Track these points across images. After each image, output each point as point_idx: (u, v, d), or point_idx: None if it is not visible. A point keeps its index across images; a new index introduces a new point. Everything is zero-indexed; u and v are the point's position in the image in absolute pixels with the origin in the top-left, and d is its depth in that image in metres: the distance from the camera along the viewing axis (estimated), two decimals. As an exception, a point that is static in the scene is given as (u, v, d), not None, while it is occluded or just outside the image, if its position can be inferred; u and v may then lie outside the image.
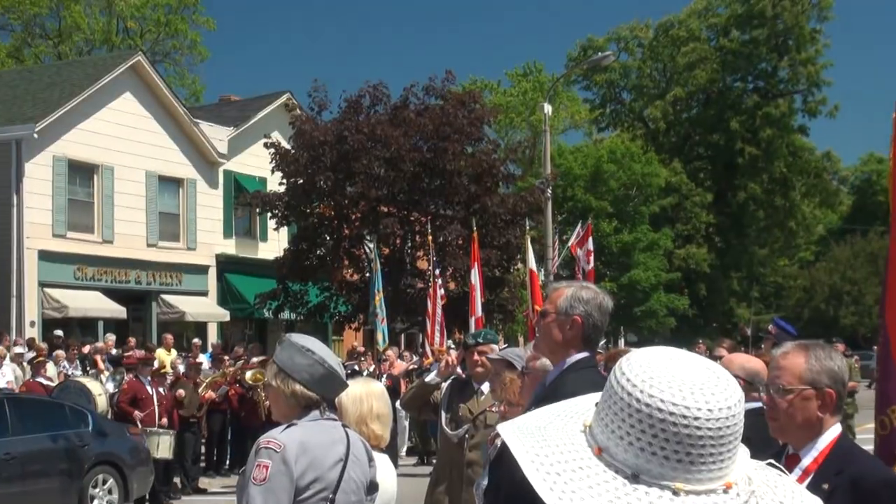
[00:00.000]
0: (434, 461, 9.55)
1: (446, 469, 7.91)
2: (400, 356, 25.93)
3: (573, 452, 2.11)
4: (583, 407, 2.28)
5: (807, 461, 3.74)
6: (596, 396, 2.25)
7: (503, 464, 4.28)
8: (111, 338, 25.45)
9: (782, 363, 3.78)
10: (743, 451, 2.14)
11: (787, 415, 3.73)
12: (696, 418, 2.00)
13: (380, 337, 23.02)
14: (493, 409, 7.32)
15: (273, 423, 4.46)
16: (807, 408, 3.72)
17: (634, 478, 2.04)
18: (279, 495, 4.15)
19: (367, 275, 24.90)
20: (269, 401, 4.72)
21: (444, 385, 8.15)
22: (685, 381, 2.05)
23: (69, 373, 20.78)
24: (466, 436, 7.74)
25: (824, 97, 57.22)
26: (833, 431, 3.76)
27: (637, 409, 2.03)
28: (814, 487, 3.65)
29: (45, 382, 18.79)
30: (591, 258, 27.74)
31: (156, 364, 20.20)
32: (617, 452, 2.06)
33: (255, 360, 21.53)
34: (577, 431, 2.17)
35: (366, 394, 5.22)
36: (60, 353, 21.83)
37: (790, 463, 3.80)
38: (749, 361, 5.99)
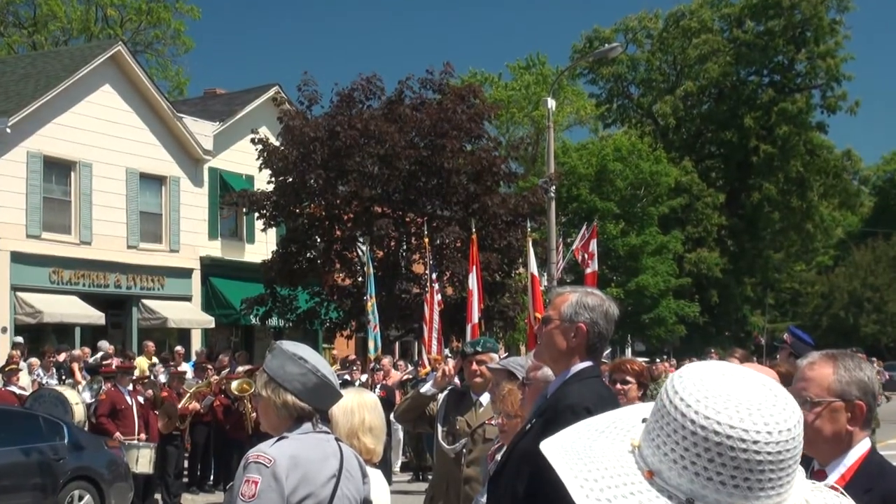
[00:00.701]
0: (430, 477, 9.54)
1: (442, 486, 7.90)
2: (394, 366, 25.91)
3: (623, 476, 2.10)
4: (627, 422, 2.26)
5: (834, 477, 3.72)
6: (641, 410, 2.25)
7: (545, 485, 4.28)
8: (106, 346, 25.38)
9: (809, 374, 3.76)
10: (800, 473, 2.14)
11: (814, 429, 3.70)
12: (756, 442, 2.00)
13: (372, 345, 23.01)
14: (493, 421, 7.31)
15: (260, 436, 4.45)
16: (835, 421, 3.70)
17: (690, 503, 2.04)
18: (269, 513, 4.14)
19: (360, 279, 24.88)
20: (258, 412, 4.70)
21: (441, 396, 8.14)
22: (742, 400, 2.04)
23: (44, 381, 20.75)
24: (464, 450, 7.73)
25: (844, 92, 57.33)
26: (862, 446, 3.74)
27: (692, 432, 2.02)
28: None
29: (18, 391, 18.75)
30: (594, 261, 27.76)
31: (136, 373, 20.19)
32: (670, 477, 2.05)
33: (240, 369, 21.51)
34: (624, 452, 2.16)
35: (358, 405, 5.21)
36: (34, 360, 21.81)
37: (816, 479, 3.78)
38: (761, 372, 5.98)
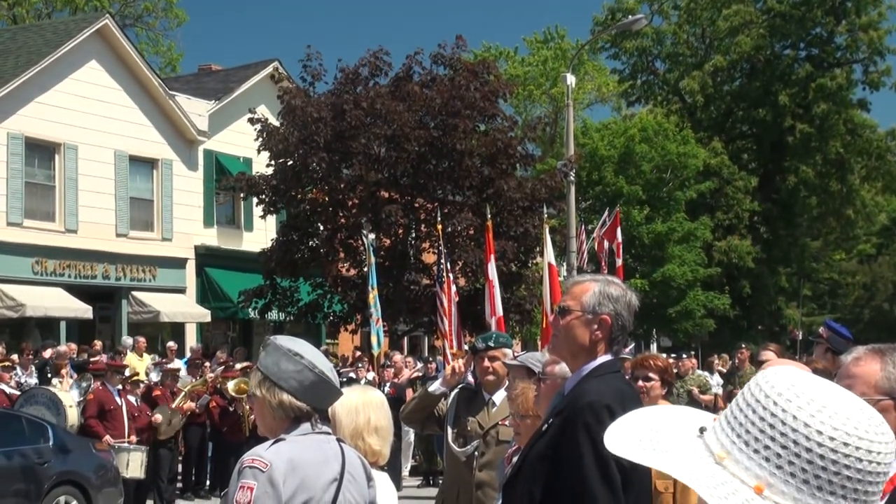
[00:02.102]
0: (441, 482, 9.55)
1: (453, 491, 7.91)
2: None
3: (736, 493, 2.06)
4: (675, 433, 2.21)
5: None
6: (696, 416, 2.22)
7: (565, 490, 4.29)
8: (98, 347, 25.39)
9: (855, 371, 3.75)
10: None
11: None
12: (878, 452, 2.00)
13: (374, 340, 23.01)
14: (507, 422, 7.31)
15: (259, 439, 4.45)
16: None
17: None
18: (266, 521, 4.15)
19: (366, 269, 24.89)
20: (253, 413, 4.71)
21: (451, 395, 8.14)
22: (851, 409, 2.03)
23: (23, 381, 20.74)
24: (476, 453, 7.74)
25: (888, 67, 57.00)
26: None
27: (818, 443, 2.00)
28: (890, 510, 3.65)
29: (9, 391, 18.76)
30: (620, 252, 27.76)
31: (127, 371, 20.22)
32: (788, 492, 2.03)
33: (237, 366, 21.54)
34: (711, 464, 2.11)
35: (363, 403, 5.21)
36: (14, 357, 21.82)
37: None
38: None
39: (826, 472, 1.98)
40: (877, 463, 1.99)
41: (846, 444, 1.98)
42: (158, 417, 18.59)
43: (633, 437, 2.18)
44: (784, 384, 2.08)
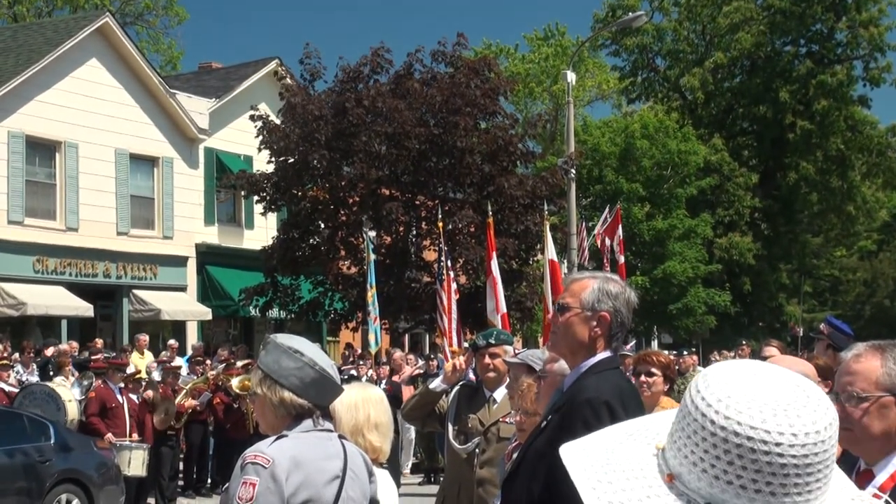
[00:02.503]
0: (442, 479, 9.55)
1: (454, 488, 7.91)
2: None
3: (642, 479, 2.12)
4: (659, 426, 2.28)
5: (882, 478, 3.71)
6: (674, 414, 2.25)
7: (563, 487, 4.29)
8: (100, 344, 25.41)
9: (855, 367, 3.74)
10: (838, 480, 2.14)
11: (861, 426, 3.68)
12: (778, 444, 1.99)
13: (372, 338, 23.00)
14: (507, 419, 7.32)
15: (262, 436, 4.45)
16: (885, 417, 3.68)
17: None
18: (268, 518, 4.14)
19: (367, 267, 24.92)
20: (255, 411, 4.71)
21: (452, 392, 8.14)
22: (768, 400, 2.04)
23: (24, 378, 20.75)
24: (477, 450, 7.74)
25: (889, 63, 56.96)
26: None
27: (712, 433, 2.02)
28: (890, 508, 3.65)
29: (8, 389, 18.77)
30: (623, 249, 27.75)
31: (131, 369, 20.22)
32: (690, 480, 2.06)
33: (238, 364, 21.53)
34: (649, 455, 2.17)
35: (362, 400, 5.22)
36: (15, 356, 21.82)
37: (862, 480, 3.77)
38: (795, 365, 5.96)
39: (720, 461, 2.01)
40: (777, 455, 1.98)
41: (737, 434, 1.99)
42: (150, 393, 18.54)
43: (587, 461, 2.21)
44: (704, 376, 2.12)
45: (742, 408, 2.01)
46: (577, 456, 2.21)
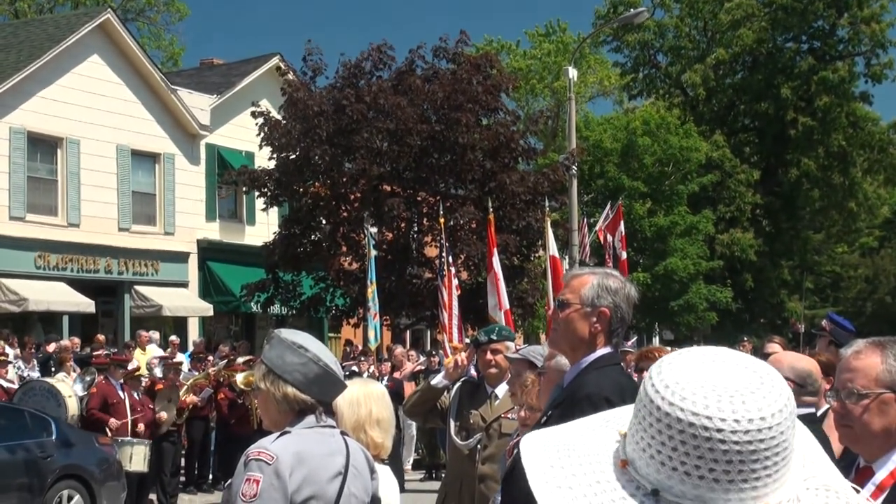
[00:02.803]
0: (443, 475, 9.56)
1: (456, 484, 7.91)
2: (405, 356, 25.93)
3: (596, 464, 2.11)
4: (628, 416, 2.27)
5: (882, 475, 3.71)
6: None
7: (516, 479, 4.28)
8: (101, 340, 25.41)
9: (855, 364, 3.74)
10: (795, 469, 2.10)
11: (861, 423, 3.68)
12: (720, 430, 1.97)
13: (372, 334, 23.00)
14: (510, 415, 7.33)
15: (266, 432, 4.45)
16: (885, 414, 3.68)
17: (654, 494, 2.03)
18: (272, 514, 4.14)
19: (367, 263, 24.92)
20: (258, 406, 4.71)
21: (454, 388, 8.14)
22: (716, 386, 2.02)
23: (25, 374, 20.76)
24: (478, 446, 7.74)
25: (891, 60, 56.91)
26: None
27: (657, 419, 2.02)
28: (890, 506, 3.64)
29: (6, 385, 18.79)
30: (625, 245, 27.75)
31: (134, 364, 20.24)
32: (641, 466, 2.05)
33: (240, 360, 21.53)
34: (612, 441, 2.17)
35: (364, 396, 5.22)
36: (14, 352, 21.82)
37: (862, 477, 3.77)
38: (800, 361, 5.98)
39: (665, 447, 2.00)
40: (719, 441, 1.96)
41: (679, 420, 1.98)
42: (164, 415, 18.53)
43: (542, 446, 2.20)
44: (659, 363, 2.12)
45: (687, 394, 2.00)
46: (533, 442, 2.20)
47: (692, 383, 2.02)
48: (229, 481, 4.39)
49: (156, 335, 27.69)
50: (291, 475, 4.18)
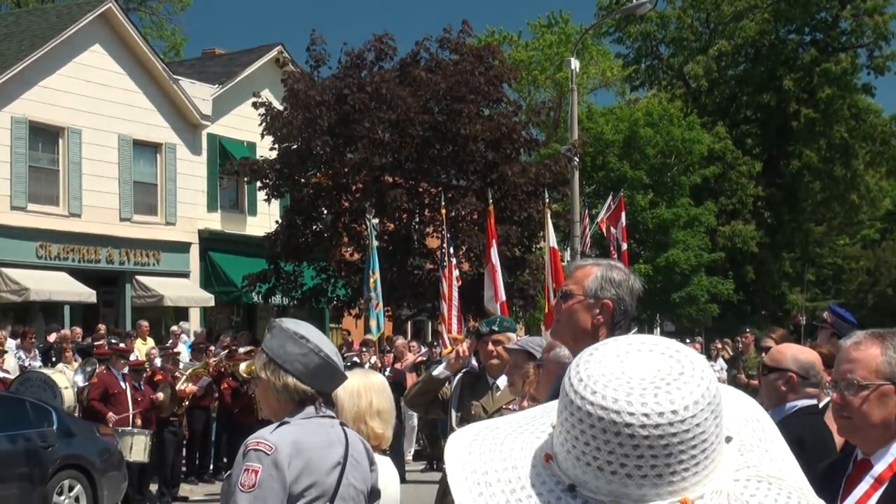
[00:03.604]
0: (444, 467, 9.51)
1: (457, 475, 7.89)
2: (407, 347, 25.95)
3: (523, 459, 2.06)
4: None
5: (880, 467, 3.70)
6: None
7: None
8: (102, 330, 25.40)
9: (855, 355, 3.73)
10: (725, 460, 2.02)
11: (861, 414, 3.68)
12: (629, 424, 1.90)
13: (374, 324, 23.00)
14: (511, 406, 7.32)
15: (268, 422, 4.45)
16: (884, 406, 3.68)
17: (571, 490, 1.98)
18: (270, 504, 4.14)
19: (370, 253, 24.93)
20: (257, 395, 4.71)
21: (455, 379, 8.14)
22: (631, 378, 1.96)
23: (27, 364, 20.77)
24: (480, 437, 7.73)
25: (893, 52, 56.85)
26: None
27: (571, 413, 1.96)
28: (888, 498, 3.63)
29: (3, 375, 18.81)
30: (626, 236, 27.77)
31: (136, 355, 20.24)
32: (561, 460, 2.00)
33: (241, 350, 21.54)
34: (545, 434, 2.11)
35: (364, 387, 5.21)
36: (14, 342, 21.83)
37: (860, 469, 3.76)
38: (802, 352, 5.97)
39: (579, 441, 1.95)
40: (628, 436, 1.89)
41: (590, 414, 1.92)
42: (160, 395, 18.58)
43: (471, 433, 2.17)
44: (584, 352, 2.06)
45: (599, 387, 1.94)
46: (462, 439, 2.16)
47: (606, 376, 1.96)
48: (229, 472, 4.39)
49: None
50: (290, 465, 4.18)
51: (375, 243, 23.74)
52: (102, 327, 25.96)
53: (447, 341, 21.58)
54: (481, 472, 2.05)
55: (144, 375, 18.99)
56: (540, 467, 2.03)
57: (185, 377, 19.88)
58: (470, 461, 2.08)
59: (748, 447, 2.10)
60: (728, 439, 2.06)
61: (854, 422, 3.71)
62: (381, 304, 23.01)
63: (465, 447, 2.12)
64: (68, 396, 17.49)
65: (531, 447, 2.09)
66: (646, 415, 1.90)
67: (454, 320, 21.41)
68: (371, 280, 22.86)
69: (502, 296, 20.45)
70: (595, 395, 1.93)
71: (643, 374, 1.96)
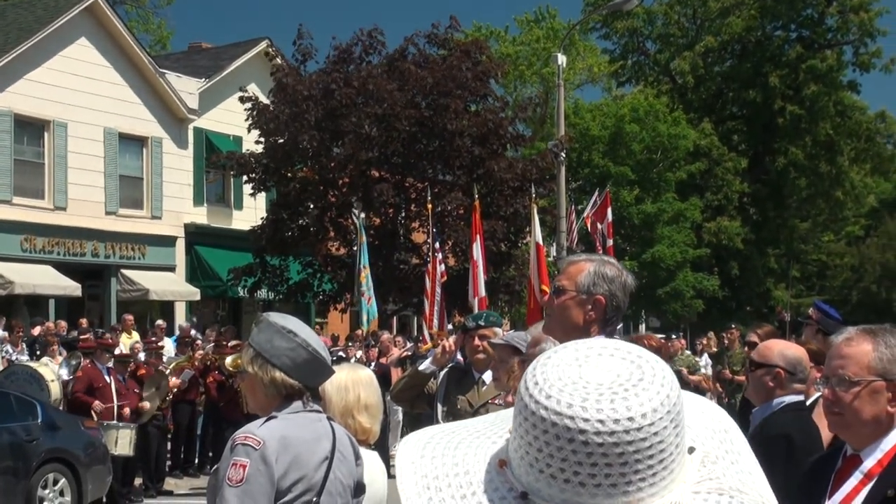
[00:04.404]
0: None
1: (443, 469, 7.88)
2: (392, 342, 25.92)
3: (476, 464, 2.01)
4: None
5: (869, 463, 3.70)
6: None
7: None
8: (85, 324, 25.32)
9: (846, 351, 3.73)
10: (686, 471, 1.95)
11: (852, 410, 3.68)
12: (582, 431, 1.84)
13: (365, 318, 23.01)
14: (497, 401, 7.31)
15: (254, 417, 4.43)
16: (876, 402, 3.68)
17: (523, 498, 1.92)
18: (258, 499, 4.13)
19: (356, 248, 24.93)
20: (244, 390, 4.69)
21: (441, 374, 8.13)
22: (588, 384, 1.89)
23: (13, 358, 20.72)
24: (466, 432, 7.72)
25: (878, 49, 57.02)
26: None
27: (525, 418, 1.90)
28: (876, 493, 3.62)
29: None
30: (612, 232, 27.78)
31: (121, 349, 20.18)
32: (515, 467, 1.95)
33: (228, 345, 21.49)
34: (502, 439, 2.05)
35: (352, 381, 5.20)
36: (4, 334, 21.79)
37: (850, 465, 3.76)
38: (789, 348, 5.97)
39: (532, 447, 1.89)
40: (582, 443, 1.83)
41: (543, 420, 1.86)
42: (146, 405, 18.49)
43: (427, 435, 2.12)
44: (540, 356, 2.00)
45: (553, 392, 1.88)
46: (416, 442, 2.10)
47: (562, 380, 1.90)
48: (216, 466, 4.37)
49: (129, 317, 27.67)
50: (278, 460, 4.17)
51: (365, 238, 23.72)
52: (84, 321, 25.90)
53: (427, 337, 21.62)
54: (432, 476, 2.00)
55: (129, 369, 18.90)
56: (493, 473, 1.97)
57: (168, 370, 19.84)
58: (422, 464, 2.02)
59: (712, 458, 2.03)
60: (691, 450, 2.00)
61: (845, 418, 3.71)
62: (372, 298, 23.01)
63: (417, 450, 2.06)
64: (55, 390, 17.44)
65: (486, 452, 2.03)
66: (601, 421, 1.84)
67: (435, 316, 21.43)
68: (362, 275, 22.85)
69: (481, 292, 20.44)
70: (550, 399, 1.87)
71: (601, 379, 1.90)
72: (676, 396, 1.90)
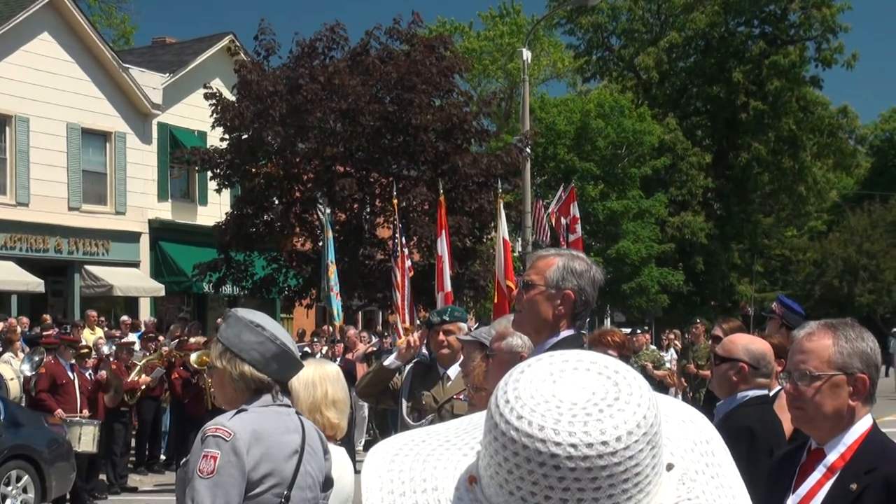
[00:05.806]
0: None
1: (408, 464, 7.89)
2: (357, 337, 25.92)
3: (446, 479, 1.94)
4: None
5: (832, 457, 3.73)
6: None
7: None
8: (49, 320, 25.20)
9: (808, 346, 3.76)
10: (662, 491, 1.88)
11: (814, 404, 3.71)
12: (554, 455, 1.76)
13: (335, 313, 22.99)
14: (462, 396, 7.33)
15: (220, 412, 4.43)
16: (837, 396, 3.71)
17: None
18: (229, 490, 4.13)
19: (321, 244, 24.85)
20: (213, 385, 4.68)
21: (406, 369, 8.14)
22: (562, 403, 1.81)
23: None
24: (430, 427, 7.72)
25: (840, 45, 57.39)
26: (864, 423, 3.75)
27: (495, 437, 1.82)
28: (840, 487, 3.65)
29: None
30: (578, 225, 27.80)
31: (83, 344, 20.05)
32: (485, 485, 1.87)
33: (192, 340, 21.42)
34: (474, 451, 1.97)
35: (319, 377, 5.21)
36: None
37: (813, 459, 3.79)
38: (754, 343, 6.01)
39: (502, 468, 1.81)
40: (553, 467, 1.76)
41: (514, 442, 1.78)
42: (104, 374, 18.41)
43: (398, 444, 2.05)
44: (512, 371, 1.91)
45: (526, 411, 1.80)
46: (387, 443, 2.04)
47: (535, 398, 1.82)
48: (185, 459, 4.37)
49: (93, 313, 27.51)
50: (249, 452, 4.17)
51: (331, 234, 23.67)
52: (48, 317, 25.75)
53: (401, 331, 21.58)
54: (399, 492, 1.93)
55: (91, 362, 18.76)
56: (463, 490, 1.90)
57: (139, 367, 19.76)
58: (388, 479, 1.95)
59: (692, 475, 1.96)
60: (670, 466, 1.93)
61: (807, 412, 3.74)
62: (339, 294, 23.00)
63: (385, 464, 1.98)
64: (14, 388, 17.36)
65: (455, 466, 1.96)
66: (573, 445, 1.76)
67: (407, 311, 21.41)
68: (329, 270, 22.81)
69: (446, 287, 20.43)
70: (521, 420, 1.79)
71: (575, 397, 1.81)
72: (654, 416, 1.82)
